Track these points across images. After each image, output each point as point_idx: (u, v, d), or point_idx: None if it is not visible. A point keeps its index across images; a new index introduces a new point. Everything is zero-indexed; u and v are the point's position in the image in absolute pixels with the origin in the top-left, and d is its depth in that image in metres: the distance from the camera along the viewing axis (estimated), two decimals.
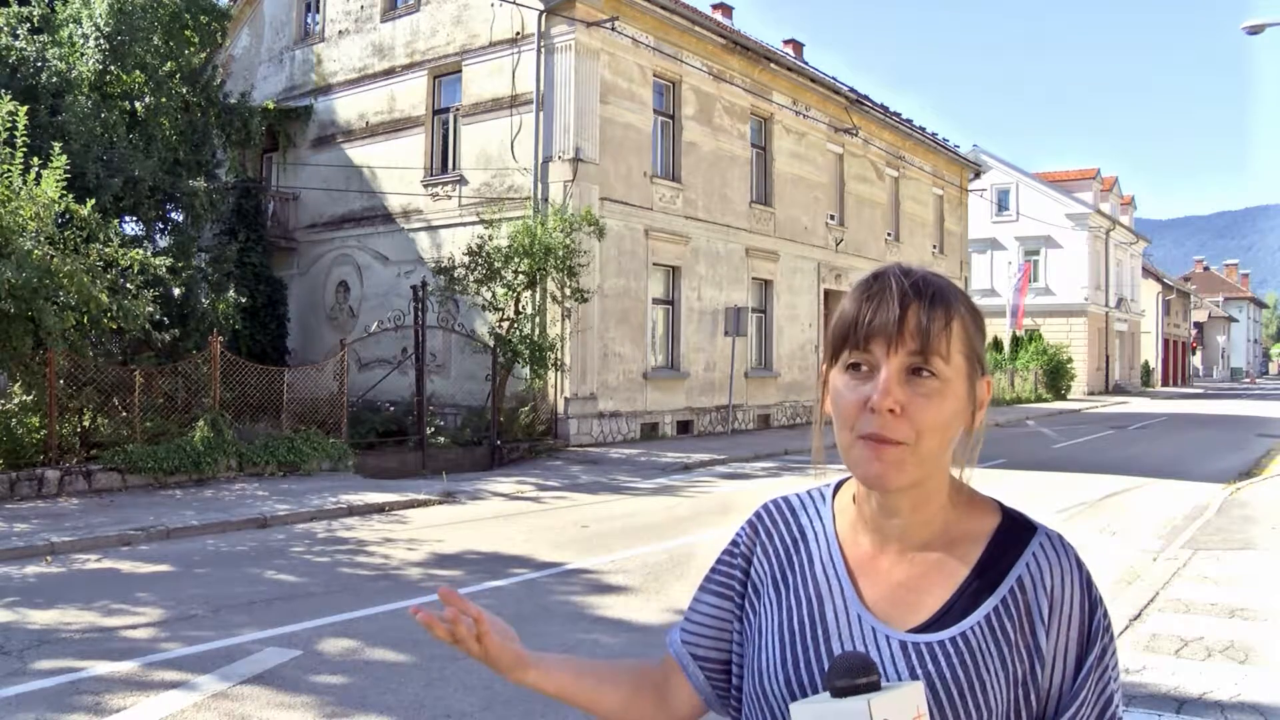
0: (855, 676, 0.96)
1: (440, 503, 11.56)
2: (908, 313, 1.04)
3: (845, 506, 1.18)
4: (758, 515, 1.24)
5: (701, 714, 1.26)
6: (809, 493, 1.24)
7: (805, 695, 1.06)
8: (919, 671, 1.04)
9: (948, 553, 1.10)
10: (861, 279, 1.10)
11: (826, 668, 1.06)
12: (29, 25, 15.52)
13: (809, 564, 1.16)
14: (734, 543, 1.25)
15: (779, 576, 1.18)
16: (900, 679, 1.04)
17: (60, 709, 4.66)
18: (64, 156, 11.56)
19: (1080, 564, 1.09)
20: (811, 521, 1.20)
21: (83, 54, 15.04)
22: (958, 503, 1.13)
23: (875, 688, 0.95)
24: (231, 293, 15.96)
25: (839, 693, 0.96)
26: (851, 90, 25.88)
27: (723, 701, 1.24)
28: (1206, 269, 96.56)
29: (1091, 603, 1.07)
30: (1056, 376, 38.38)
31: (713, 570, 1.25)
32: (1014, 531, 1.11)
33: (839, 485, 1.22)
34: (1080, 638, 1.06)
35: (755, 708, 1.13)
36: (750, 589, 1.20)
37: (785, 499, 1.25)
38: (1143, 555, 8.67)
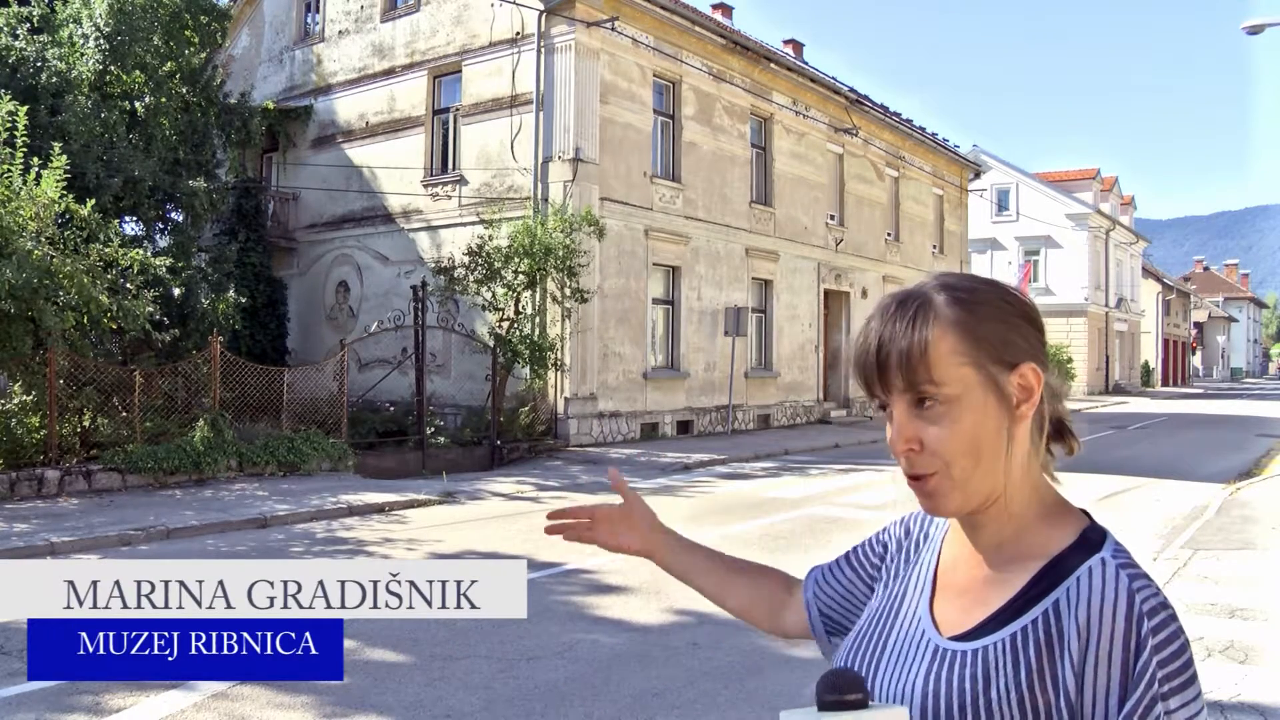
0: (843, 693, 0.96)
1: (440, 503, 11.56)
2: (885, 352, 1.03)
3: None
4: (911, 514, 1.27)
5: (806, 636, 1.38)
6: None
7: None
8: (933, 674, 1.04)
9: (1012, 567, 1.07)
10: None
11: (877, 663, 1.11)
12: (29, 25, 15.51)
13: (916, 565, 1.20)
14: (884, 529, 1.31)
15: (892, 573, 1.23)
16: (925, 680, 1.04)
17: (60, 709, 4.66)
18: (64, 156, 11.54)
19: (1131, 597, 0.98)
20: (936, 529, 1.23)
21: (83, 54, 15.02)
22: (1041, 514, 1.08)
23: (862, 705, 0.96)
24: (231, 293, 15.94)
25: (825, 707, 0.96)
26: (851, 90, 25.86)
27: (830, 646, 1.34)
28: (1206, 269, 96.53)
29: (1138, 642, 0.96)
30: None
31: (857, 545, 1.34)
32: (1078, 551, 1.04)
33: None
34: (1123, 680, 0.95)
35: None
36: (881, 575, 1.26)
37: None
38: (1143, 555, 8.67)
